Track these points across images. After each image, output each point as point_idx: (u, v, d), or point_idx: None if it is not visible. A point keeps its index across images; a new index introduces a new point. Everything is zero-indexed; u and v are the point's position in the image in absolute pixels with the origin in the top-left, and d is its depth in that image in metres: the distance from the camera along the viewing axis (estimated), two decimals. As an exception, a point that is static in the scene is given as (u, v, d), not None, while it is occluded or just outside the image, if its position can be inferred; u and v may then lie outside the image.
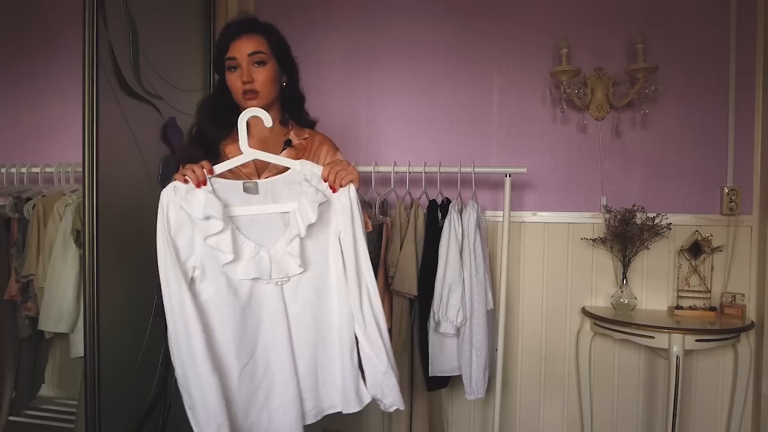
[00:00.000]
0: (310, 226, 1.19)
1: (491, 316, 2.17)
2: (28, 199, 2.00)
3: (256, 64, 1.33)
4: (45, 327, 1.91)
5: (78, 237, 1.86)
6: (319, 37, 2.53)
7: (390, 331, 2.13)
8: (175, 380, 1.20)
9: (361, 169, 2.21)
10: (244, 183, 1.22)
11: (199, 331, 1.13)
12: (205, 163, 1.21)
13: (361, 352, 1.25)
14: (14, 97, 2.14)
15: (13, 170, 2.08)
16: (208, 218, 1.14)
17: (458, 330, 2.04)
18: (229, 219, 1.17)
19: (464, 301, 2.02)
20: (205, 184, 1.17)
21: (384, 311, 2.06)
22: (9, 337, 2.03)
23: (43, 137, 2.15)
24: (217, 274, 1.17)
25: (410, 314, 2.14)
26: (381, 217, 2.17)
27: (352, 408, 1.26)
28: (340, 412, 1.29)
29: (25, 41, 2.13)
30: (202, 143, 1.35)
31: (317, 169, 1.25)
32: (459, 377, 2.10)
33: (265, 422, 1.21)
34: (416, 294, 2.07)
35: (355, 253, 1.23)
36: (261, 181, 1.24)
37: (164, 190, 1.17)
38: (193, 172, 1.17)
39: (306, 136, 1.44)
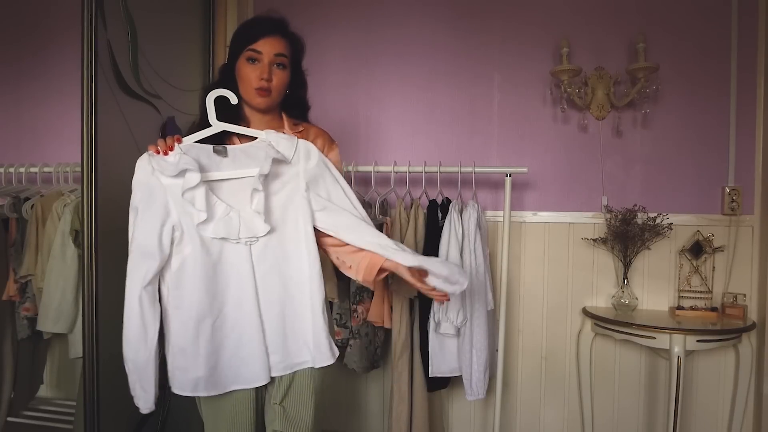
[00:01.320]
0: (277, 190, 1.29)
1: (491, 316, 2.16)
2: (27, 198, 2.00)
3: (276, 66, 1.36)
4: (43, 327, 1.90)
5: (77, 237, 1.86)
6: (319, 37, 2.53)
7: (390, 331, 2.13)
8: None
9: (361, 168, 2.21)
10: (213, 147, 1.28)
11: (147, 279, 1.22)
12: (176, 136, 1.27)
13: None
14: (13, 96, 2.13)
15: (12, 170, 2.08)
16: (184, 172, 1.20)
17: (458, 330, 2.03)
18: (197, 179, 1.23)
19: (464, 302, 2.02)
20: (172, 149, 1.24)
21: (384, 312, 2.10)
22: (7, 338, 2.03)
23: (42, 137, 2.14)
24: (193, 234, 1.24)
25: (410, 314, 2.14)
26: (381, 217, 2.16)
27: (325, 361, 1.32)
28: (311, 367, 1.34)
29: (24, 41, 2.13)
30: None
31: (282, 136, 1.32)
32: (459, 378, 2.10)
33: (232, 372, 1.29)
34: (416, 294, 2.07)
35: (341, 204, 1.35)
36: (230, 147, 1.30)
37: (140, 158, 1.25)
38: (164, 142, 1.25)
39: (301, 129, 1.45)
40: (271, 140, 1.31)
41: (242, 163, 1.28)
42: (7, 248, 2.01)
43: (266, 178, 1.27)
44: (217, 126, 1.30)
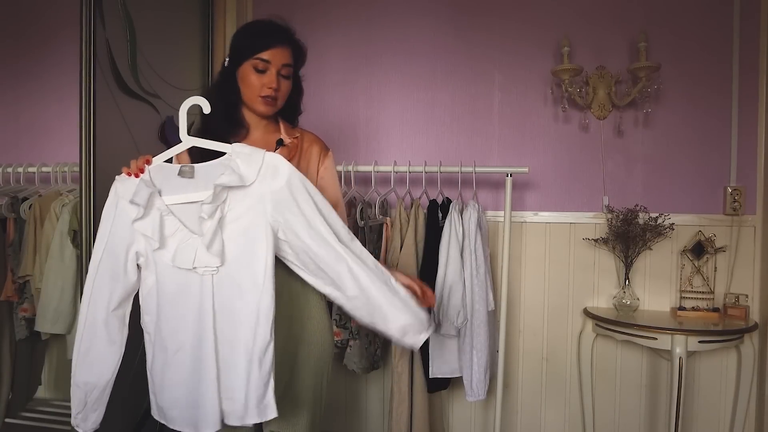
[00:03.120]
0: (239, 216, 1.16)
1: (492, 316, 2.15)
2: (25, 198, 1.99)
3: (281, 75, 1.35)
4: (42, 328, 1.90)
5: (75, 237, 1.85)
6: (319, 36, 2.52)
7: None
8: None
9: (361, 168, 2.20)
10: (181, 167, 1.22)
11: (105, 299, 1.21)
12: (146, 157, 1.25)
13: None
14: (11, 95, 2.13)
15: (10, 170, 2.07)
16: (136, 204, 1.16)
17: (459, 331, 2.03)
18: (153, 205, 1.18)
19: (465, 302, 2.01)
20: (143, 171, 1.21)
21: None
22: (5, 339, 2.02)
23: (40, 136, 2.14)
24: (157, 262, 1.20)
25: (410, 315, 2.12)
26: (381, 217, 2.15)
27: (251, 419, 1.15)
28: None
29: (22, 40, 2.12)
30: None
31: (247, 152, 1.19)
32: (459, 379, 2.08)
33: (188, 412, 1.18)
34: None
35: (316, 242, 1.17)
36: (197, 166, 1.22)
37: (116, 179, 1.23)
38: (135, 163, 1.22)
39: (297, 135, 1.44)
40: (237, 155, 1.19)
41: (203, 185, 1.18)
42: (5, 248, 2.00)
43: (228, 203, 1.16)
44: (187, 142, 1.24)
